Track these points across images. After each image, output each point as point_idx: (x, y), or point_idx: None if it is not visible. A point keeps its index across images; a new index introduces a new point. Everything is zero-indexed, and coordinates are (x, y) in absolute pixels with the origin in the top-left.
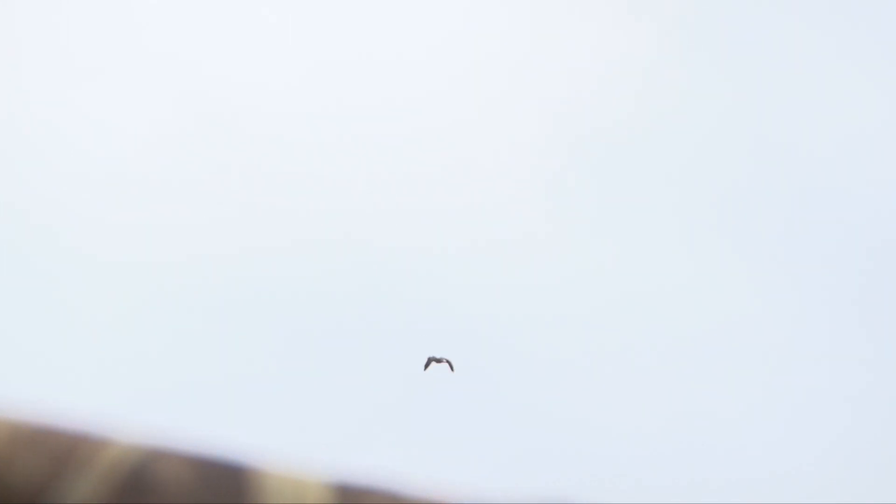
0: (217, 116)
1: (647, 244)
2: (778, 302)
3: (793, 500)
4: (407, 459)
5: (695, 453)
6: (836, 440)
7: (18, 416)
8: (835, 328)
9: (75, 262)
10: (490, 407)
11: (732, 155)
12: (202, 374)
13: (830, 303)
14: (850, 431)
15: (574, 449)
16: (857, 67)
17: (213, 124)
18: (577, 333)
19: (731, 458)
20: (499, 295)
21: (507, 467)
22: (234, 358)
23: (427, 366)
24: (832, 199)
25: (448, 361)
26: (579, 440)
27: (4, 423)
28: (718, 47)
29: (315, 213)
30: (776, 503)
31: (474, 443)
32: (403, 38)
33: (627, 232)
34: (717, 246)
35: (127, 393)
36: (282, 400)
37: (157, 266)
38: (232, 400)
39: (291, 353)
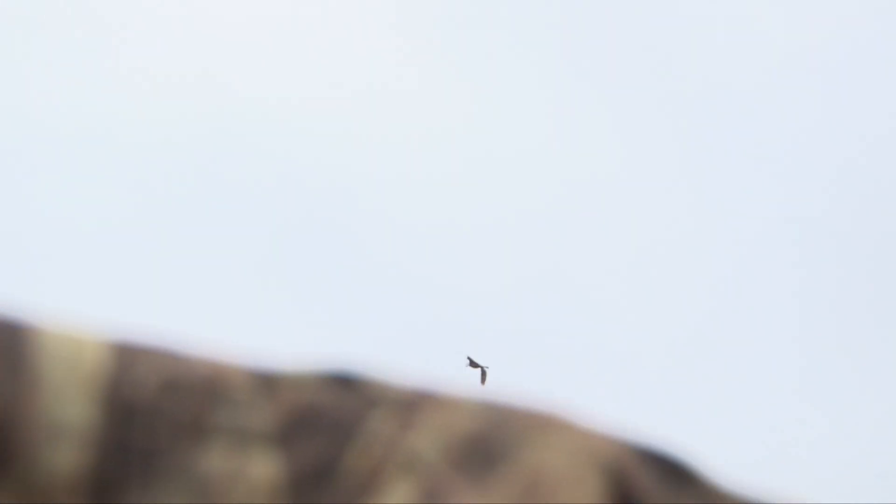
0: None
1: (510, 98)
2: (647, 158)
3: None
4: (232, 322)
5: (557, 321)
6: (712, 301)
7: None
8: (705, 182)
9: None
10: (337, 267)
11: (602, 6)
12: None
13: (702, 157)
14: (728, 290)
15: (416, 311)
16: None
17: None
18: (434, 191)
19: (594, 325)
20: (355, 148)
21: (341, 330)
22: (29, 204)
23: (469, 362)
24: (703, 52)
25: (483, 370)
26: (422, 302)
27: None
28: None
29: (167, 53)
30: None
31: (314, 304)
32: None
33: (491, 86)
34: (583, 100)
35: None
36: (73, 253)
37: None
38: (12, 252)
39: (108, 201)
